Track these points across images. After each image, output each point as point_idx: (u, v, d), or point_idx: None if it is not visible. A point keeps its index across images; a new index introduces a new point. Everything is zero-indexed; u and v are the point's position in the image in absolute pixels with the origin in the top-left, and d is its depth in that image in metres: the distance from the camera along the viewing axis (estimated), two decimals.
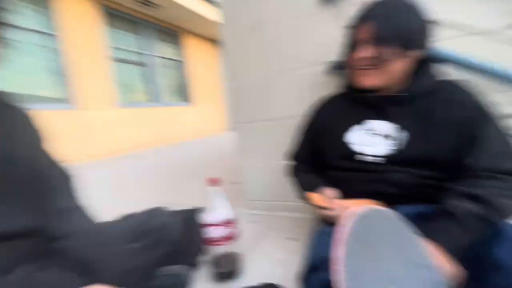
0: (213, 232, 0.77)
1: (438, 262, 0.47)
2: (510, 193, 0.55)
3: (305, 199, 0.79)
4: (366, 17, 0.69)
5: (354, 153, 0.73)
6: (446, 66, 0.82)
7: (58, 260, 0.53)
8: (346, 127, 0.77)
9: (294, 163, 0.93)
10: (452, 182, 0.60)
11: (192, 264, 0.87)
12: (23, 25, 3.07)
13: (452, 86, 0.69)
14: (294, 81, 1.15)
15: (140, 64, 4.80)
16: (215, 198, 0.79)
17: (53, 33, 3.35)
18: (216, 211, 0.78)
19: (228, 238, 0.78)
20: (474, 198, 0.54)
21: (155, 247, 0.73)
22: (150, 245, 0.71)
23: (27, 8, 3.15)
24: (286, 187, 1.25)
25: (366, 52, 0.69)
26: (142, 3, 4.27)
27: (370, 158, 0.71)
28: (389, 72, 0.69)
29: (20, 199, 0.52)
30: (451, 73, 0.81)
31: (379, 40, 0.66)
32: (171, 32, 5.47)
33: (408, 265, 0.43)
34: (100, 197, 1.78)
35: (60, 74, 3.43)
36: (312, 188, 0.76)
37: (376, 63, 0.68)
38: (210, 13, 5.22)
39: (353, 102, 0.79)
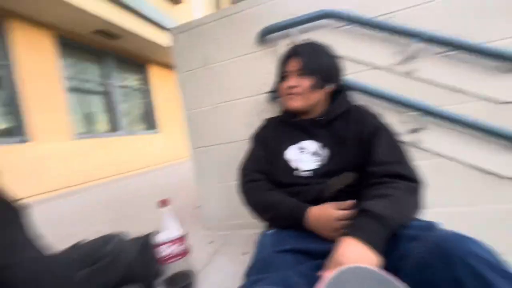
0: (165, 250, 0.83)
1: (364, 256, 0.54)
2: (407, 194, 0.66)
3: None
4: (294, 53, 0.85)
5: (292, 169, 0.83)
6: (354, 94, 1.02)
7: None
8: (284, 146, 0.88)
9: (246, 175, 0.94)
10: (364, 187, 0.73)
11: (149, 285, 0.90)
12: None
13: (358, 109, 0.85)
14: (240, 108, 1.30)
15: (103, 93, 4.72)
16: (165, 217, 0.86)
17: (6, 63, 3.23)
18: (167, 230, 0.85)
19: (180, 255, 0.84)
20: (383, 196, 0.64)
21: (108, 271, 0.76)
22: (102, 268, 0.74)
23: None
24: (240, 206, 1.33)
25: (292, 82, 0.84)
26: (102, 34, 4.31)
27: (304, 173, 0.82)
28: (309, 99, 0.84)
29: None
30: (359, 98, 1.01)
31: (304, 72, 0.83)
32: (135, 61, 5.51)
33: None
34: (55, 232, 1.70)
35: (10, 104, 3.27)
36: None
37: (300, 91, 0.83)
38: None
39: (288, 125, 0.92)
